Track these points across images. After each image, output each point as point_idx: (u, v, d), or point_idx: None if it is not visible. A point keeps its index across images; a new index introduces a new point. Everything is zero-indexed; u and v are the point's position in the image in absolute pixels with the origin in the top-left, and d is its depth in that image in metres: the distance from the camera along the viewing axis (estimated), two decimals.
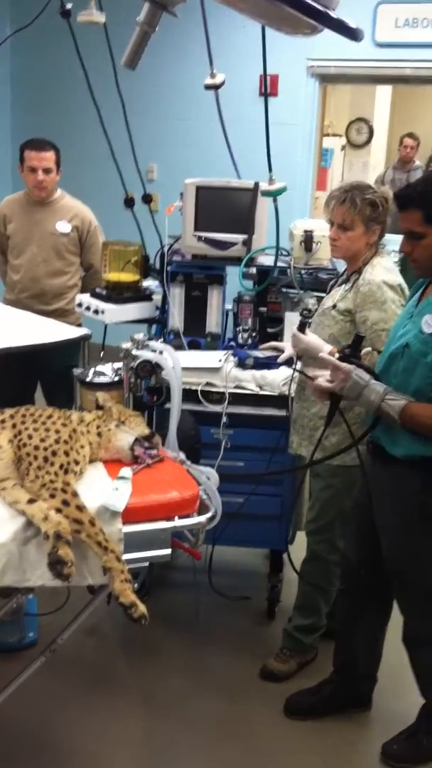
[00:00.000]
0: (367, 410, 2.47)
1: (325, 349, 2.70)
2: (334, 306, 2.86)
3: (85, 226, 4.10)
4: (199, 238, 3.37)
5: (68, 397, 3.31)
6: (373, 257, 2.84)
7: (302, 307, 3.24)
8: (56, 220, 4.04)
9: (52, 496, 2.08)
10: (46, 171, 3.94)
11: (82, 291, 4.06)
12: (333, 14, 1.72)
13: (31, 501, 2.06)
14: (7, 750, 2.68)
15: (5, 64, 6.78)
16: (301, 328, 2.82)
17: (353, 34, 1.80)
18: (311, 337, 2.80)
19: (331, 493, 2.96)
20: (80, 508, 2.08)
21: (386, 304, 2.73)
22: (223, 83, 2.99)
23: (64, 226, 4.04)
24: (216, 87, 2.98)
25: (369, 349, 2.56)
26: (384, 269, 2.81)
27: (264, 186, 3.18)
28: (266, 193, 3.16)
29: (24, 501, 2.06)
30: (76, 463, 2.23)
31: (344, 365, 2.44)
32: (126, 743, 2.82)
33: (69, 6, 3.07)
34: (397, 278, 2.79)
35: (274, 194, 3.13)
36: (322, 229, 3.38)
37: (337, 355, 2.51)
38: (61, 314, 3.98)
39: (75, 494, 2.11)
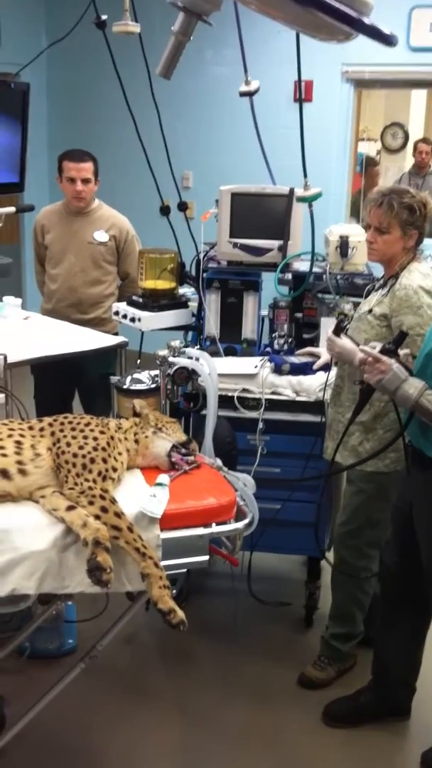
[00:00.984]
0: (405, 406, 2.46)
1: (360, 354, 2.69)
2: (370, 311, 2.85)
3: (123, 236, 4.12)
4: (235, 245, 3.38)
5: (105, 404, 3.34)
6: (411, 262, 2.82)
7: (338, 311, 3.23)
8: (94, 230, 4.07)
9: (91, 503, 2.09)
10: (85, 181, 3.97)
11: (119, 300, 4.07)
12: (367, 20, 1.72)
13: (70, 508, 2.07)
14: (45, 756, 2.70)
15: (41, 75, 6.86)
16: (337, 331, 2.81)
17: (387, 40, 1.80)
18: (346, 341, 2.80)
19: (362, 498, 2.95)
20: (118, 514, 2.09)
21: (422, 308, 2.71)
22: (257, 90, 3.01)
23: (101, 236, 4.07)
24: (251, 94, 3.00)
25: (408, 351, 2.55)
26: (421, 274, 2.79)
27: (299, 192, 3.19)
28: (301, 199, 3.17)
29: (63, 508, 2.07)
30: (114, 470, 2.24)
31: (386, 358, 2.43)
32: (163, 752, 2.82)
33: (104, 17, 3.10)
34: None
35: (310, 200, 3.14)
36: (357, 234, 3.37)
37: (378, 347, 2.50)
38: (98, 323, 4.01)
39: (113, 501, 2.12)
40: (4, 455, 2.14)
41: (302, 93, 3.10)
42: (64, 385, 4.03)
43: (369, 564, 3.00)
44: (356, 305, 3.16)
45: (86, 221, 4.08)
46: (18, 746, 2.39)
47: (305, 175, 3.10)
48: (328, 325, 3.25)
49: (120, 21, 3.08)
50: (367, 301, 2.96)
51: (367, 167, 8.41)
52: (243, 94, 3.04)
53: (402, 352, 2.50)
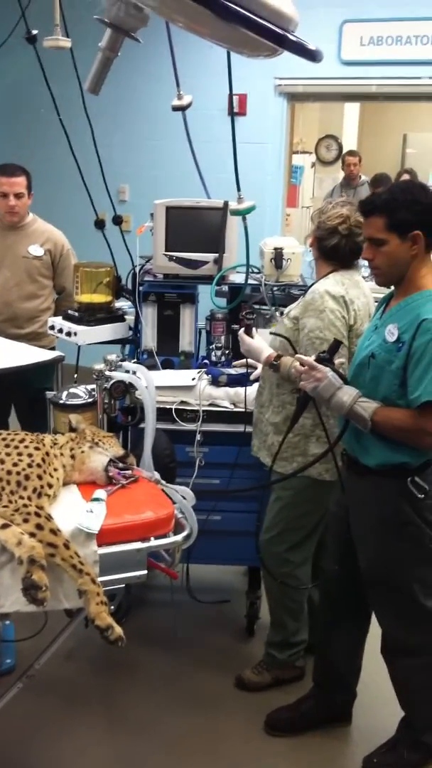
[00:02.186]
0: (339, 413, 2.51)
1: (265, 353, 2.87)
2: (288, 313, 2.93)
3: (58, 250, 4.10)
4: (171, 258, 3.39)
5: (43, 420, 3.30)
6: (331, 272, 2.90)
7: (247, 309, 3.27)
8: (29, 244, 4.04)
9: (26, 520, 2.07)
10: (18, 196, 3.94)
11: (56, 314, 4.06)
12: (293, 37, 1.76)
13: (4, 526, 2.05)
14: None
15: None
16: (247, 330, 2.89)
17: (312, 56, 1.84)
18: (254, 340, 2.93)
19: (279, 505, 3.00)
20: (54, 531, 2.07)
21: (324, 312, 2.78)
22: (190, 104, 3.03)
23: (36, 250, 4.04)
24: (183, 108, 3.02)
25: (342, 360, 2.60)
26: (334, 281, 2.86)
27: (233, 205, 3.21)
28: (235, 212, 3.18)
29: None
30: (50, 486, 2.23)
31: (321, 366, 2.48)
32: (105, 763, 2.80)
33: (35, 32, 3.09)
34: (342, 290, 2.83)
35: (243, 213, 3.16)
36: (291, 246, 3.42)
37: (313, 357, 2.54)
38: (34, 338, 3.98)
39: (49, 518, 2.10)
40: None
41: (234, 106, 3.13)
42: (0, 402, 3.99)
43: (292, 570, 3.04)
44: None
45: (21, 235, 4.05)
46: None
47: (238, 189, 3.12)
48: (263, 336, 3.29)
49: (51, 36, 3.07)
50: (289, 306, 3.03)
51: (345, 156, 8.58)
52: (175, 109, 3.06)
53: (337, 360, 2.55)
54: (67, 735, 2.91)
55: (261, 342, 2.90)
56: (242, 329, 2.98)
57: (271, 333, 3.02)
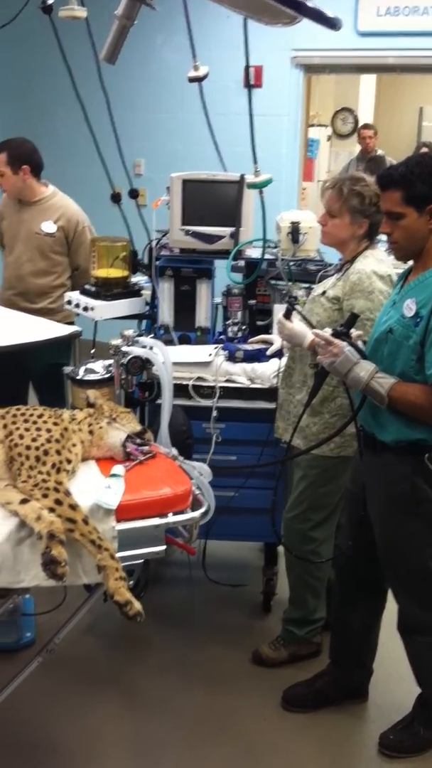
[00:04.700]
0: (356, 388, 2.48)
1: (309, 337, 2.71)
2: (324, 293, 2.87)
3: (71, 226, 4.01)
4: (187, 232, 3.36)
5: (58, 394, 3.30)
6: (366, 249, 2.84)
7: (288, 293, 3.24)
8: (42, 220, 3.99)
9: (45, 495, 2.07)
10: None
11: (74, 290, 4.00)
12: (311, 4, 1.72)
13: (23, 501, 2.05)
14: (5, 749, 2.68)
15: None
16: (287, 314, 2.83)
17: (331, 24, 1.80)
18: (296, 324, 2.81)
19: (306, 483, 2.98)
20: (73, 506, 2.07)
21: (374, 293, 2.73)
22: (206, 75, 2.98)
23: (49, 227, 3.98)
24: (199, 79, 2.98)
25: (360, 332, 2.57)
26: (375, 260, 2.81)
27: (250, 178, 3.18)
28: (252, 186, 3.16)
29: (17, 501, 2.05)
30: (68, 461, 2.22)
31: (337, 341, 2.45)
32: (122, 741, 2.82)
33: (51, 1, 3.04)
34: (389, 269, 2.79)
35: (260, 186, 3.14)
36: (308, 220, 3.37)
37: (330, 331, 2.51)
38: (46, 313, 3.95)
39: (68, 493, 2.10)
40: None
41: (251, 78, 3.09)
42: (18, 377, 3.98)
43: (316, 548, 3.03)
44: (309, 291, 3.17)
45: (36, 211, 4.01)
46: None
47: (255, 162, 3.09)
48: (280, 311, 3.26)
49: (66, 5, 3.02)
50: (322, 284, 2.97)
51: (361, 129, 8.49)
52: (192, 80, 3.01)
53: (354, 333, 2.52)
54: (83, 711, 2.93)
55: (302, 326, 2.80)
56: (282, 314, 2.89)
57: (281, 316, 2.92)
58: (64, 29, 3.12)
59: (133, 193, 3.52)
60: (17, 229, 4.02)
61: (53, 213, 4.01)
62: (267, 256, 3.37)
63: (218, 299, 3.52)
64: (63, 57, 3.15)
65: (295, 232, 3.33)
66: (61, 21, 3.05)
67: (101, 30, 3.06)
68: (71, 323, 3.84)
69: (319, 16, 1.76)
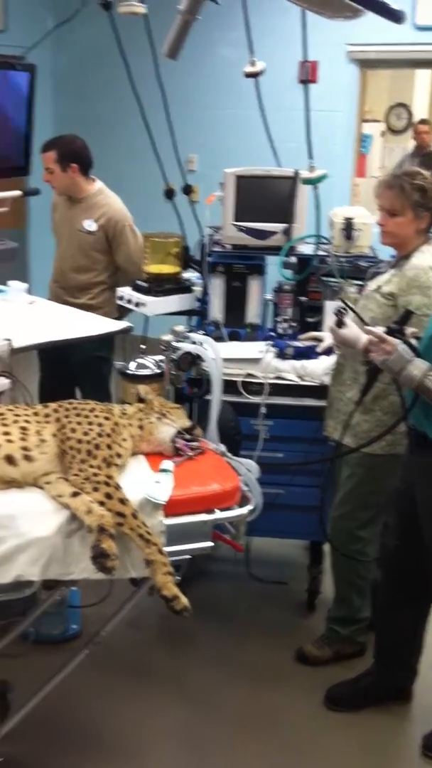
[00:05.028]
0: (409, 387, 2.46)
1: (362, 339, 2.68)
2: (378, 288, 2.84)
3: (111, 226, 3.98)
4: (240, 228, 3.36)
5: (98, 385, 3.54)
6: (423, 244, 2.80)
7: (341, 296, 3.21)
8: (84, 218, 4.00)
9: (95, 489, 2.09)
10: (48, 171, 3.91)
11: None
12: None
13: (74, 494, 2.07)
14: (50, 740, 2.71)
15: (47, 56, 6.80)
16: (338, 324, 2.78)
17: (396, 16, 1.79)
18: (347, 330, 2.76)
19: (354, 481, 2.96)
20: (123, 501, 2.09)
21: (431, 289, 2.70)
22: (263, 71, 2.99)
23: (90, 225, 3.98)
24: (256, 75, 2.98)
25: (415, 330, 2.54)
26: None
27: (304, 174, 3.17)
28: (307, 181, 3.15)
29: (68, 494, 2.08)
30: (119, 456, 2.25)
31: (391, 338, 2.43)
32: (166, 734, 2.83)
33: None
34: None
35: (315, 182, 3.13)
36: (362, 216, 3.35)
37: (383, 328, 2.49)
38: (87, 308, 3.95)
39: (118, 487, 2.12)
40: (10, 441, 2.14)
41: (308, 74, 3.08)
42: (62, 368, 4.03)
43: (363, 547, 3.01)
44: (361, 288, 3.14)
45: (81, 208, 4.04)
46: (23, 730, 2.41)
47: (310, 157, 3.08)
48: (332, 308, 3.24)
49: (126, 1, 3.03)
50: (376, 280, 2.94)
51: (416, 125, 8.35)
52: (248, 75, 3.01)
53: (408, 330, 2.49)
54: (127, 703, 2.95)
55: (355, 330, 2.75)
56: (333, 323, 2.85)
57: (333, 326, 2.89)
58: (122, 25, 3.14)
59: (187, 189, 3.53)
60: (63, 224, 4.09)
61: (95, 211, 4.01)
62: (319, 253, 3.35)
63: (269, 296, 3.51)
64: (121, 53, 3.17)
65: (348, 228, 3.30)
66: (120, 17, 3.07)
67: (159, 26, 3.09)
68: (120, 318, 3.88)
69: (384, 9, 1.75)
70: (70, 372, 4.09)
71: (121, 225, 3.98)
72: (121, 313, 4.05)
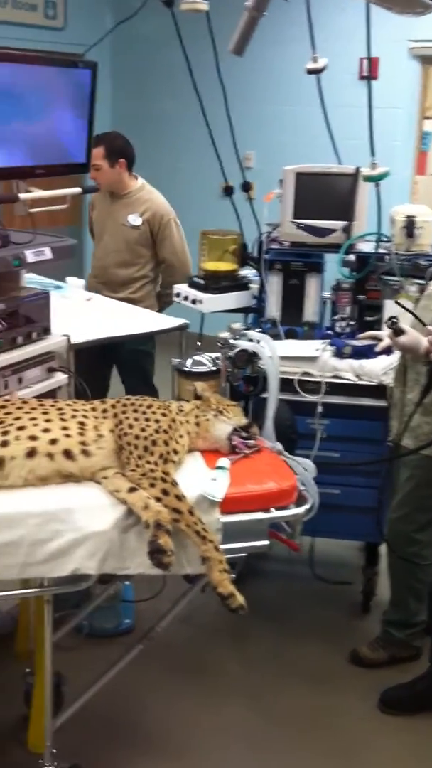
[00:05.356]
0: None
1: (423, 344, 2.64)
2: None
3: (156, 220, 4.06)
4: (298, 226, 3.34)
5: (139, 378, 3.79)
6: None
7: (395, 299, 3.15)
8: (128, 213, 4.08)
9: (152, 485, 2.09)
10: (95, 168, 3.94)
11: (161, 284, 4.20)
12: None
13: (131, 489, 2.08)
14: (102, 733, 2.73)
15: (106, 54, 6.86)
16: (396, 333, 2.72)
17: None
18: (407, 338, 2.70)
19: (412, 484, 2.91)
20: (179, 497, 2.09)
21: None
22: (325, 67, 2.96)
23: (135, 219, 4.06)
24: (318, 71, 2.96)
25: None
26: None
27: (366, 171, 3.13)
28: (369, 178, 3.11)
29: (125, 489, 2.08)
30: (176, 452, 2.24)
31: None
32: (218, 732, 2.82)
33: None
34: None
35: (377, 179, 3.09)
36: (424, 214, 3.29)
37: None
38: (128, 302, 4.04)
39: (174, 483, 2.12)
40: (68, 436, 2.15)
41: (371, 70, 3.04)
42: (104, 361, 4.08)
43: (420, 550, 2.96)
44: (421, 287, 3.09)
45: (123, 204, 4.09)
46: (76, 723, 2.42)
47: (372, 154, 3.04)
48: (391, 307, 3.20)
49: None
50: None
51: None
52: (310, 72, 2.98)
53: None
54: (179, 700, 2.95)
55: (413, 335, 2.70)
56: (391, 333, 2.79)
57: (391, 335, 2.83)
58: (183, 22, 3.14)
59: (246, 186, 3.52)
60: (105, 220, 4.13)
61: (140, 206, 4.08)
62: (379, 251, 3.30)
63: (327, 294, 3.48)
64: (182, 49, 3.17)
65: (410, 226, 3.25)
66: (181, 14, 3.07)
67: (220, 22, 3.09)
68: (161, 311, 3.95)
69: None
70: (109, 363, 4.13)
71: (166, 219, 4.08)
72: (161, 306, 4.13)
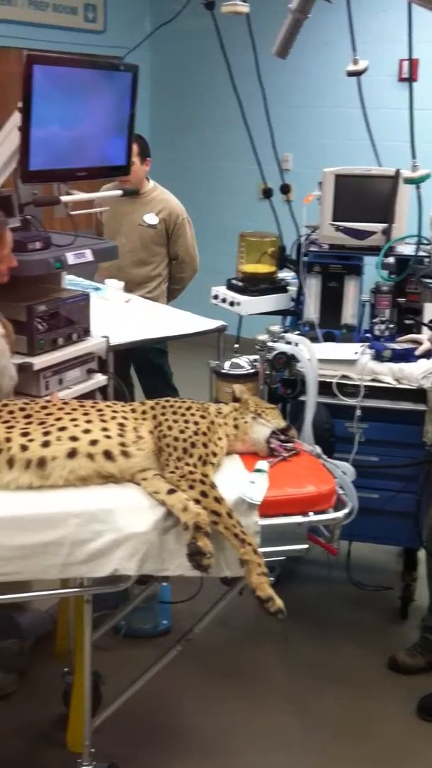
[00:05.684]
0: None
1: None
2: None
3: (172, 219, 4.21)
4: (338, 228, 3.32)
5: (155, 376, 3.93)
6: None
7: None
8: (144, 212, 4.17)
9: (191, 487, 2.09)
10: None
11: (170, 279, 4.32)
12: None
13: (171, 491, 2.08)
14: (140, 733, 2.74)
15: (144, 56, 6.90)
16: None
17: None
18: None
19: None
20: (218, 499, 2.09)
21: None
22: (365, 69, 2.95)
23: (151, 219, 4.17)
24: (359, 73, 2.95)
25: None
26: None
27: (406, 173, 3.11)
28: (409, 181, 3.09)
29: (164, 491, 2.09)
30: (214, 455, 2.24)
31: None
32: (254, 735, 2.82)
33: None
34: None
35: (418, 182, 3.07)
36: None
37: None
38: None
39: (213, 486, 2.12)
40: (108, 437, 2.16)
41: (412, 71, 3.02)
42: (123, 360, 4.09)
43: None
44: None
45: (138, 203, 4.13)
46: (113, 722, 2.43)
47: (413, 156, 3.02)
48: (431, 310, 3.18)
49: (229, 1, 3.04)
50: None
51: None
52: (351, 74, 2.98)
53: None
54: (216, 702, 2.95)
55: None
56: (431, 335, 2.77)
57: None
58: (223, 24, 3.15)
59: (285, 188, 3.51)
60: (119, 221, 4.18)
61: (155, 205, 4.18)
62: (420, 253, 3.28)
63: (366, 296, 3.46)
64: (222, 52, 3.18)
65: None
66: (222, 16, 3.08)
67: (260, 24, 3.09)
68: None
69: None
70: (127, 361, 4.15)
71: (181, 218, 4.23)
72: (167, 301, 4.33)
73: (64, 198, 2.76)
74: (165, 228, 4.21)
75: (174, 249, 4.28)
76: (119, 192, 3.27)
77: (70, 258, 2.76)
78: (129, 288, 4.16)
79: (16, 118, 2.55)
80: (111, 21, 6.78)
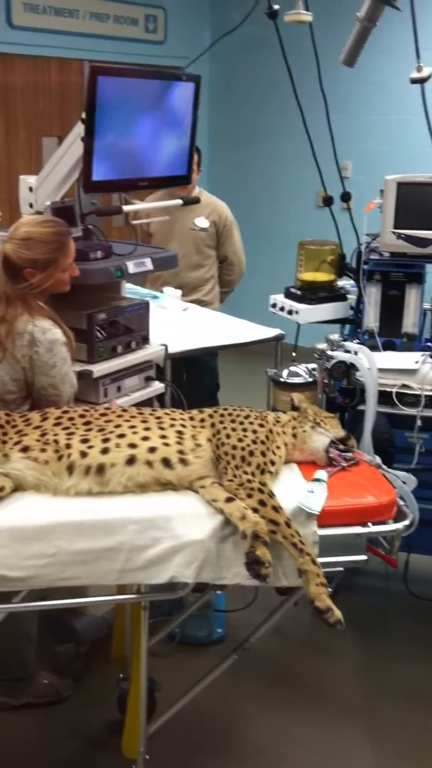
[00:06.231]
0: None
1: None
2: None
3: (222, 221, 4.32)
4: (399, 236, 3.28)
5: (204, 377, 3.89)
6: None
7: None
8: (195, 217, 4.25)
9: (249, 495, 2.09)
10: None
11: (220, 281, 4.41)
12: None
13: (229, 499, 2.08)
14: (194, 740, 2.74)
15: (204, 64, 6.92)
16: None
17: None
18: None
19: None
20: (276, 508, 2.08)
21: None
22: (430, 76, 2.91)
23: (202, 222, 4.27)
24: (423, 80, 2.91)
25: None
26: None
27: None
28: None
29: (222, 499, 2.08)
30: (273, 463, 2.23)
31: None
32: (309, 746, 2.79)
33: (276, 7, 3.08)
34: None
35: None
36: None
37: None
38: (200, 305, 4.11)
39: (271, 494, 2.11)
40: (167, 444, 2.17)
41: None
42: (179, 369, 4.10)
43: None
44: None
45: (188, 208, 4.14)
46: (168, 730, 2.44)
47: None
48: None
49: (292, 10, 3.04)
50: None
51: None
52: (414, 81, 2.94)
53: None
54: (271, 712, 2.93)
55: None
56: None
57: None
58: (286, 32, 3.15)
59: (346, 196, 3.49)
60: (170, 227, 4.21)
61: (204, 209, 4.25)
62: None
63: (427, 305, 3.42)
64: (285, 60, 3.18)
65: None
66: (285, 25, 3.08)
67: (322, 32, 3.08)
68: None
69: None
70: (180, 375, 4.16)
71: (229, 220, 4.36)
72: None
73: (126, 207, 2.79)
74: (216, 230, 4.32)
75: (222, 251, 4.40)
76: (179, 201, 3.29)
77: (131, 267, 2.78)
78: (185, 293, 4.20)
79: (79, 129, 2.58)
80: (171, 31, 6.84)
